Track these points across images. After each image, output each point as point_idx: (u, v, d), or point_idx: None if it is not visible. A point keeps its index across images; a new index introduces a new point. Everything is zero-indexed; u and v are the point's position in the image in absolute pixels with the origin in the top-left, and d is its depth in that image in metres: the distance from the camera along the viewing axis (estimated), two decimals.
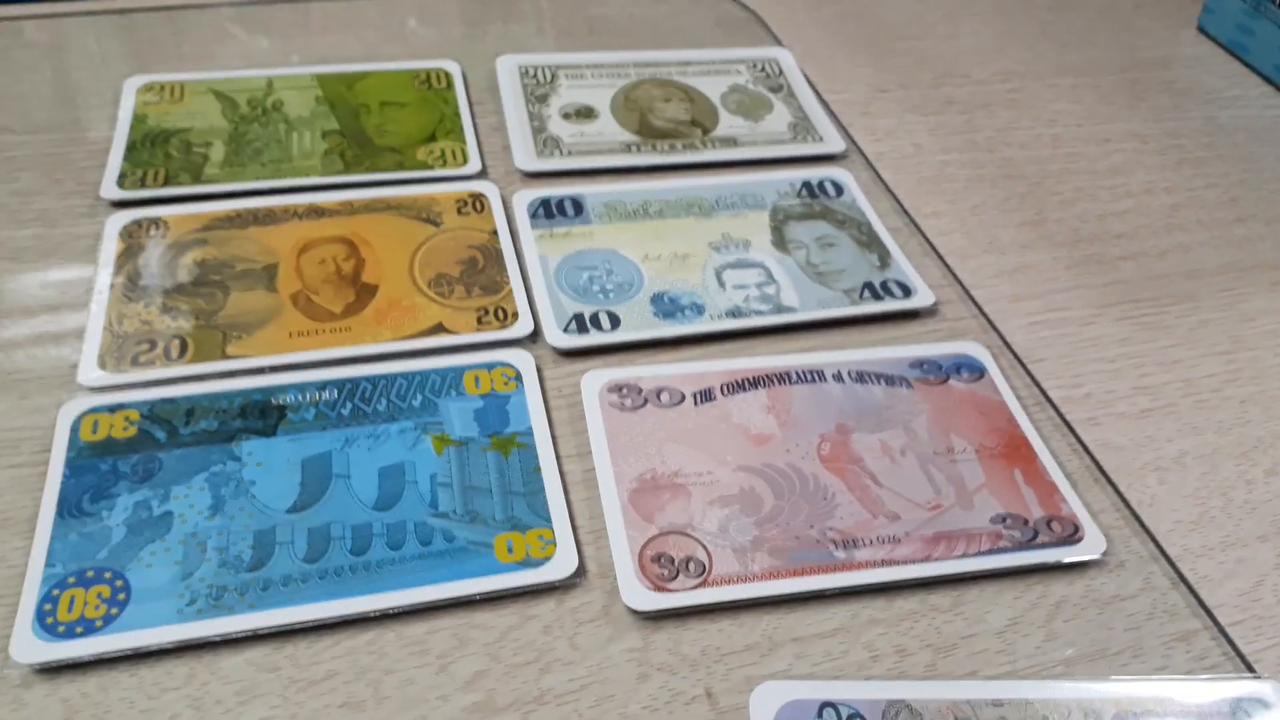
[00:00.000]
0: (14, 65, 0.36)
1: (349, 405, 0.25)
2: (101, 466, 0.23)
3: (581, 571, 0.22)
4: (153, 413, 0.24)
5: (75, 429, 0.24)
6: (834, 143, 0.35)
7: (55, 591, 0.21)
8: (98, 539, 0.22)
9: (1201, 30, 0.45)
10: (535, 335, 0.28)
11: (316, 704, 0.20)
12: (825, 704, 0.20)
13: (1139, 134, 0.39)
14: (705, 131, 0.35)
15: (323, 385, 0.25)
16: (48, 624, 0.20)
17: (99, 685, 0.20)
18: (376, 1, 0.41)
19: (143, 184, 0.31)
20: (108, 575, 0.21)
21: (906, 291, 0.30)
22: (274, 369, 0.26)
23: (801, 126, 0.36)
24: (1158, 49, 0.45)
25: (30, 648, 0.20)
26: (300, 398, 0.25)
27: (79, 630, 0.20)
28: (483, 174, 0.33)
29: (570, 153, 0.33)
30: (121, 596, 0.21)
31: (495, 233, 0.30)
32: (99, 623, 0.21)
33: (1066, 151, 0.38)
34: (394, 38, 0.39)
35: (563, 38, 0.40)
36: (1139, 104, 0.41)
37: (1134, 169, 0.37)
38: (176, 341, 0.26)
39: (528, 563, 0.22)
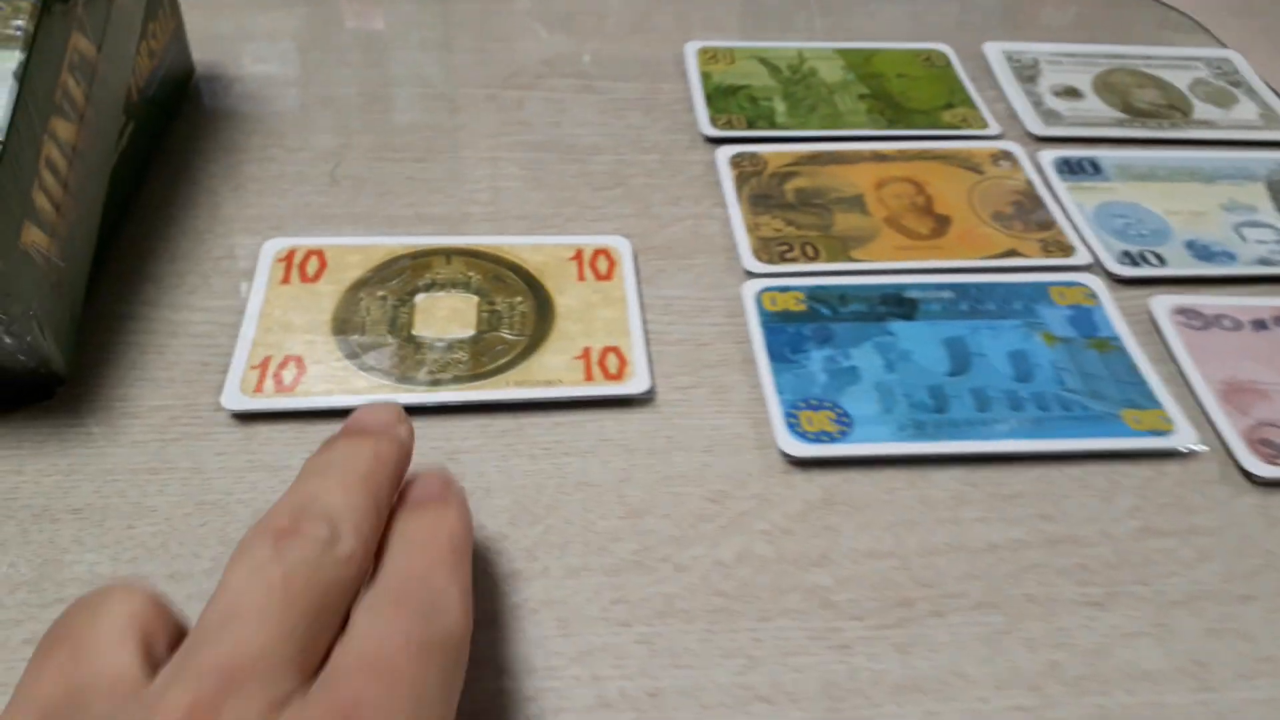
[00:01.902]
0: (598, 29, 0.44)
1: (965, 303, 0.31)
2: (788, 329, 0.30)
3: (1199, 444, 0.28)
4: (814, 295, 0.31)
5: (759, 301, 0.31)
6: None
7: (794, 410, 0.28)
8: (807, 380, 0.29)
9: None
10: (1091, 266, 0.33)
11: (1017, 512, 0.26)
12: None
13: None
14: (1184, 114, 0.40)
15: (939, 287, 0.32)
16: (798, 431, 0.27)
17: (845, 479, 0.27)
18: None
19: (730, 126, 0.38)
20: (828, 404, 0.28)
21: None
22: (894, 271, 0.32)
23: (1270, 116, 0.40)
24: None
25: (791, 446, 0.27)
26: (925, 294, 0.31)
27: (824, 438, 0.27)
28: (1001, 136, 0.38)
29: (1071, 123, 0.39)
30: (846, 419, 0.27)
31: (1030, 183, 0.36)
32: (837, 435, 0.27)
33: None
34: (890, 22, 0.46)
35: (1029, 29, 0.46)
36: None
37: None
38: (810, 246, 0.33)
39: (1155, 432, 0.28)
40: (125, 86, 0.32)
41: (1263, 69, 0.43)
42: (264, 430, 0.27)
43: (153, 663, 0.18)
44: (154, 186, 0.35)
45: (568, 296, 0.31)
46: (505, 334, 0.30)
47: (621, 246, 0.33)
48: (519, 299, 0.31)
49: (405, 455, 0.22)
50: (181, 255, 0.32)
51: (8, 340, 0.26)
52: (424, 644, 0.18)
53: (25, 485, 0.26)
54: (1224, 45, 0.45)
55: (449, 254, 0.32)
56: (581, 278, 0.32)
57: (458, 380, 0.28)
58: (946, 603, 0.24)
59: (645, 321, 0.31)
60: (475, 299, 0.30)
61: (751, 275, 0.32)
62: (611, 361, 0.29)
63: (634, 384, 0.28)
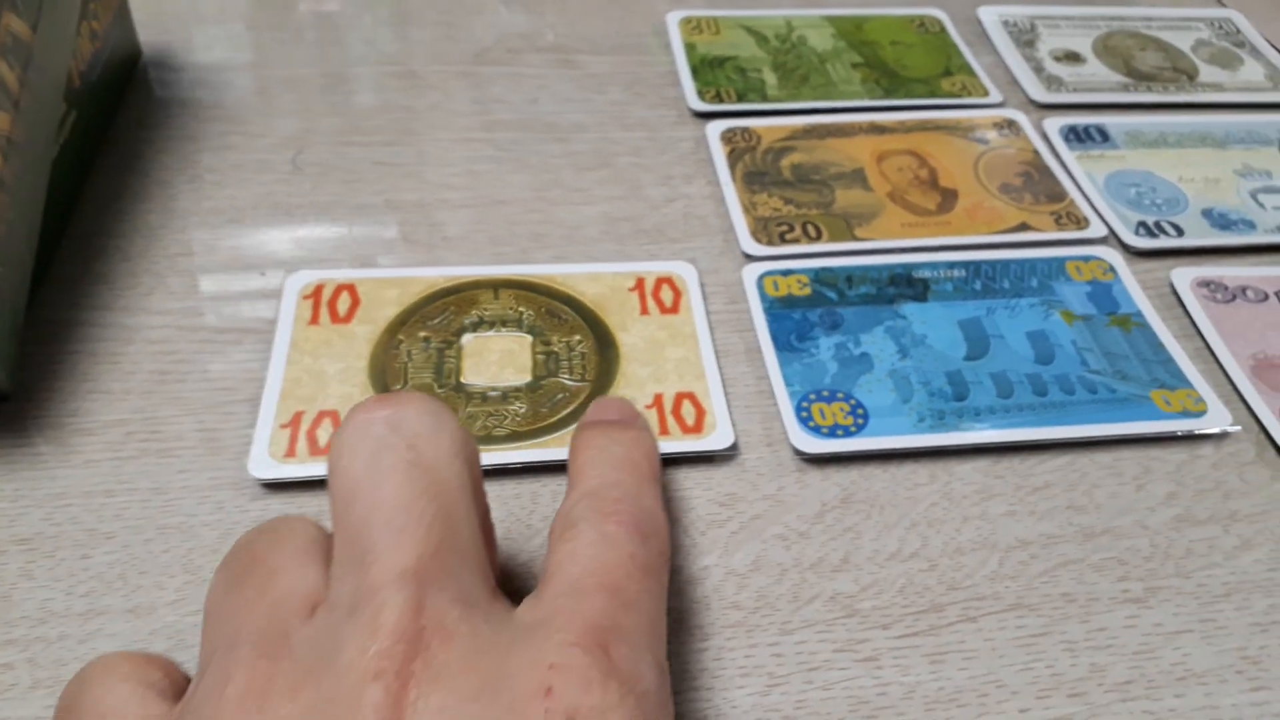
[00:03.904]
0: (576, 3, 0.42)
1: (978, 282, 0.29)
2: (794, 315, 0.28)
3: (1233, 425, 0.26)
4: (818, 277, 0.29)
5: (760, 286, 0.29)
6: None
7: (805, 403, 0.26)
8: (817, 369, 0.27)
9: None
10: (1107, 238, 0.32)
11: (1046, 505, 0.24)
12: None
13: None
14: (1190, 77, 0.38)
15: (950, 265, 0.30)
16: (811, 426, 0.25)
17: (862, 475, 0.25)
18: None
19: (719, 99, 0.36)
20: (840, 395, 0.26)
21: None
22: (901, 250, 0.30)
23: (1277, 77, 0.38)
24: None
25: (804, 442, 0.25)
26: (936, 273, 0.29)
27: (839, 433, 0.25)
28: (1003, 104, 0.37)
29: (1074, 89, 0.37)
30: (860, 412, 0.26)
31: (1037, 152, 0.34)
32: (852, 428, 0.25)
33: None
34: None
35: None
36: None
37: None
38: (811, 225, 0.31)
39: (1186, 414, 0.26)
40: (65, 71, 0.29)
41: (1265, 28, 0.42)
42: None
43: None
44: (101, 180, 0.32)
45: (631, 334, 0.27)
46: (565, 379, 0.26)
47: (687, 274, 0.29)
48: (578, 338, 0.27)
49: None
50: (134, 254, 0.30)
51: None
52: (646, 566, 0.18)
53: None
54: (1224, 4, 0.44)
55: (496, 286, 0.28)
56: (645, 311, 0.28)
57: (517, 437, 0.25)
58: (978, 606, 0.23)
59: (720, 360, 0.27)
60: (529, 339, 0.27)
61: (751, 258, 0.30)
62: (688, 410, 0.26)
63: (716, 438, 0.25)
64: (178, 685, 0.18)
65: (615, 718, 0.15)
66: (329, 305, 0.28)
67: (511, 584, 0.23)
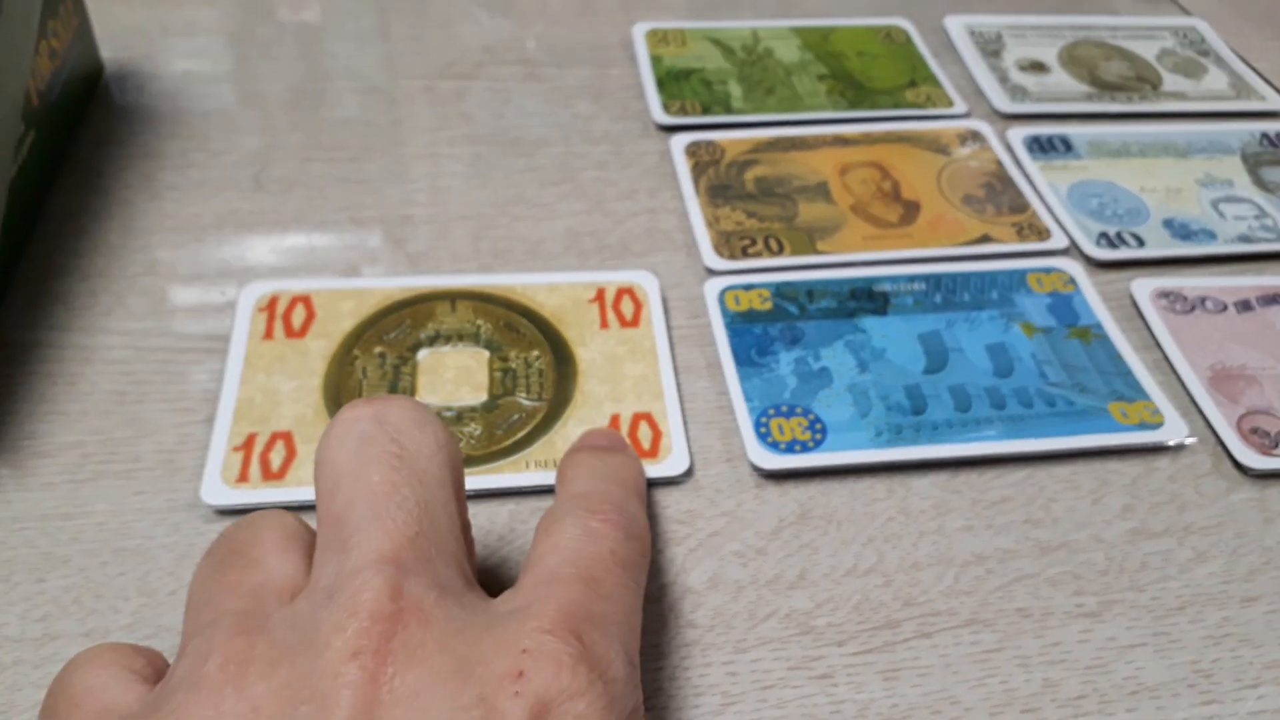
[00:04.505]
0: (542, 12, 0.42)
1: (939, 295, 0.29)
2: (754, 330, 0.28)
3: (1189, 436, 0.26)
4: (780, 292, 0.29)
5: (721, 300, 0.29)
6: (1275, 101, 0.38)
7: (764, 419, 0.26)
8: (776, 384, 0.27)
9: None
10: (1068, 250, 0.32)
11: (1003, 519, 0.25)
12: None
13: None
14: (1154, 87, 0.38)
15: (911, 279, 0.30)
16: (769, 441, 0.25)
17: (821, 491, 0.25)
18: None
19: (684, 113, 0.36)
20: (799, 410, 0.26)
21: None
22: (863, 264, 0.30)
23: (1241, 86, 0.39)
24: None
25: (762, 458, 0.25)
26: (896, 287, 0.30)
27: (797, 448, 0.25)
28: (967, 115, 0.37)
29: (1039, 99, 0.37)
30: (819, 426, 0.26)
31: (1000, 163, 0.34)
32: (810, 443, 0.25)
33: None
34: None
35: (991, 1, 0.44)
36: None
37: None
38: (773, 239, 0.31)
39: (1143, 426, 0.26)
40: (22, 91, 0.29)
41: (1230, 37, 0.42)
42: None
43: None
44: (60, 198, 0.32)
45: (590, 349, 0.27)
46: (522, 399, 0.26)
47: (648, 285, 0.29)
48: (535, 353, 0.27)
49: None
50: (94, 273, 0.30)
51: None
52: (625, 562, 0.19)
53: None
54: (1189, 13, 0.44)
55: (453, 297, 0.28)
56: (605, 324, 0.28)
57: (471, 462, 0.24)
58: (933, 622, 0.23)
59: (678, 377, 0.27)
60: (486, 354, 0.27)
61: (713, 273, 0.30)
62: (644, 433, 0.25)
63: (672, 463, 0.25)
64: (160, 672, 0.18)
65: (583, 702, 0.16)
66: (283, 318, 0.27)
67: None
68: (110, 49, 0.37)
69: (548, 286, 0.29)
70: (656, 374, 0.27)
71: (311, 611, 0.17)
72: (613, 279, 0.29)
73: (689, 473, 0.25)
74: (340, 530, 0.17)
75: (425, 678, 0.15)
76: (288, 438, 0.25)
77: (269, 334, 0.27)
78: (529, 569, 0.19)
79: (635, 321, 0.28)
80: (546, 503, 0.24)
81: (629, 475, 0.22)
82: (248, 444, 0.24)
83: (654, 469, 0.25)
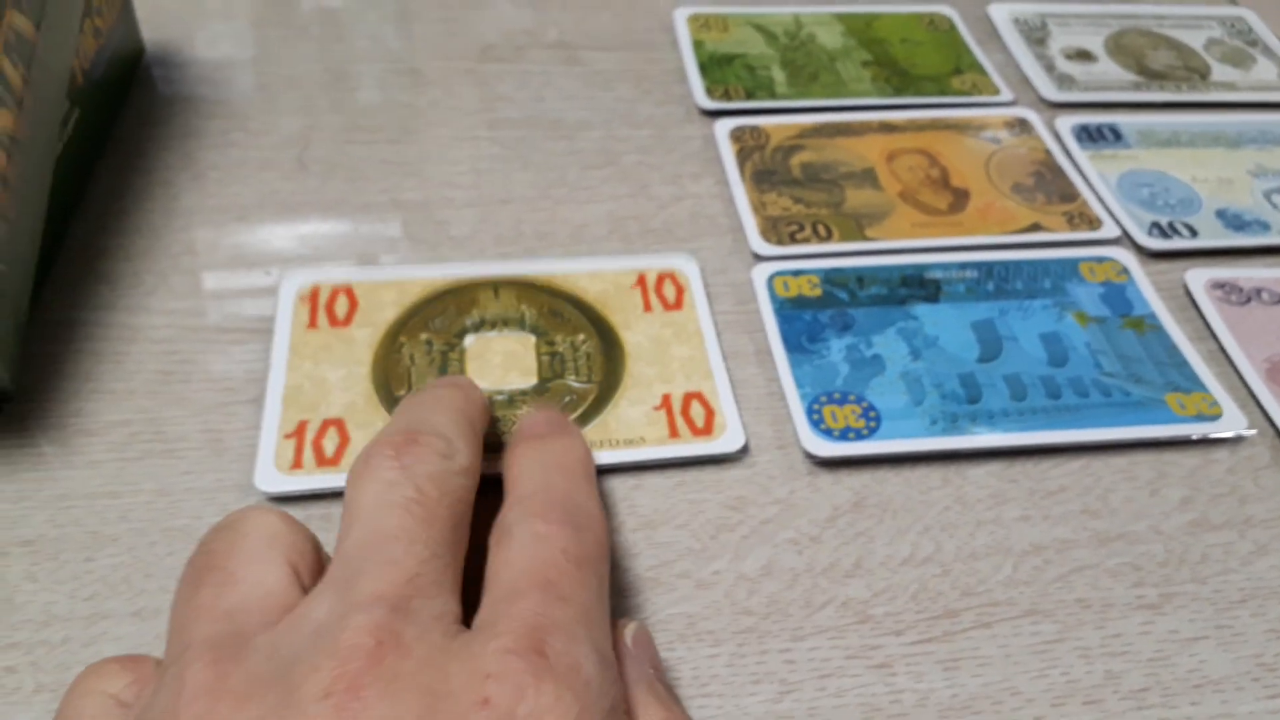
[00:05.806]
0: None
1: (991, 283, 0.29)
2: (805, 316, 0.28)
3: (1248, 429, 0.26)
4: (829, 278, 0.29)
5: (770, 286, 0.29)
6: None
7: (816, 405, 0.25)
8: (828, 371, 0.26)
9: None
10: (1120, 239, 0.31)
11: (1060, 509, 0.24)
12: None
13: None
14: (1202, 76, 0.38)
15: (963, 266, 0.29)
16: (822, 428, 0.25)
17: (874, 479, 0.25)
18: None
19: (727, 97, 0.35)
20: (852, 398, 0.26)
21: None
22: (913, 250, 0.30)
23: None
24: None
25: (816, 445, 0.25)
26: (948, 274, 0.29)
27: (851, 435, 0.25)
28: (1014, 103, 0.36)
29: (1086, 88, 0.37)
30: (872, 414, 0.25)
31: (1049, 152, 0.34)
32: (865, 431, 0.25)
33: None
34: None
35: None
36: None
37: None
38: (821, 225, 0.31)
39: (1201, 418, 0.26)
40: (68, 68, 0.29)
41: (1277, 27, 0.42)
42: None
43: (300, 582, 0.18)
44: (103, 178, 0.32)
45: (635, 332, 0.27)
46: (571, 381, 0.26)
47: (689, 269, 0.29)
48: (581, 337, 0.27)
49: (488, 406, 0.23)
50: (137, 253, 0.30)
51: None
52: (579, 558, 0.19)
53: None
54: (1236, 3, 0.43)
55: (495, 285, 0.28)
56: (648, 308, 0.28)
57: None
58: (993, 612, 0.22)
59: (728, 361, 0.27)
60: (532, 339, 0.27)
61: (761, 259, 0.30)
62: (697, 411, 0.25)
63: (727, 440, 0.25)
64: (145, 681, 0.18)
65: (552, 718, 0.16)
66: (326, 308, 0.27)
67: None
68: (149, 30, 0.37)
69: (589, 273, 0.29)
70: (704, 355, 0.27)
71: (293, 645, 0.17)
72: (652, 264, 0.29)
73: (745, 449, 0.25)
74: (347, 568, 0.18)
75: (393, 716, 0.15)
76: (340, 425, 0.24)
77: (313, 323, 0.27)
78: (488, 586, 0.18)
79: (679, 304, 0.28)
80: (607, 483, 0.24)
81: (570, 460, 0.22)
82: (299, 431, 0.24)
83: (708, 447, 0.25)
